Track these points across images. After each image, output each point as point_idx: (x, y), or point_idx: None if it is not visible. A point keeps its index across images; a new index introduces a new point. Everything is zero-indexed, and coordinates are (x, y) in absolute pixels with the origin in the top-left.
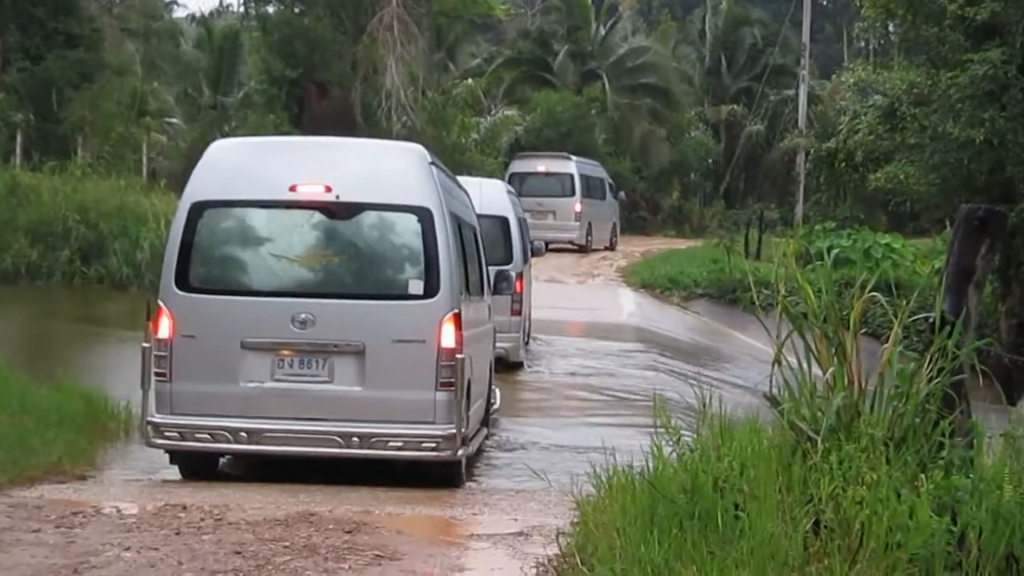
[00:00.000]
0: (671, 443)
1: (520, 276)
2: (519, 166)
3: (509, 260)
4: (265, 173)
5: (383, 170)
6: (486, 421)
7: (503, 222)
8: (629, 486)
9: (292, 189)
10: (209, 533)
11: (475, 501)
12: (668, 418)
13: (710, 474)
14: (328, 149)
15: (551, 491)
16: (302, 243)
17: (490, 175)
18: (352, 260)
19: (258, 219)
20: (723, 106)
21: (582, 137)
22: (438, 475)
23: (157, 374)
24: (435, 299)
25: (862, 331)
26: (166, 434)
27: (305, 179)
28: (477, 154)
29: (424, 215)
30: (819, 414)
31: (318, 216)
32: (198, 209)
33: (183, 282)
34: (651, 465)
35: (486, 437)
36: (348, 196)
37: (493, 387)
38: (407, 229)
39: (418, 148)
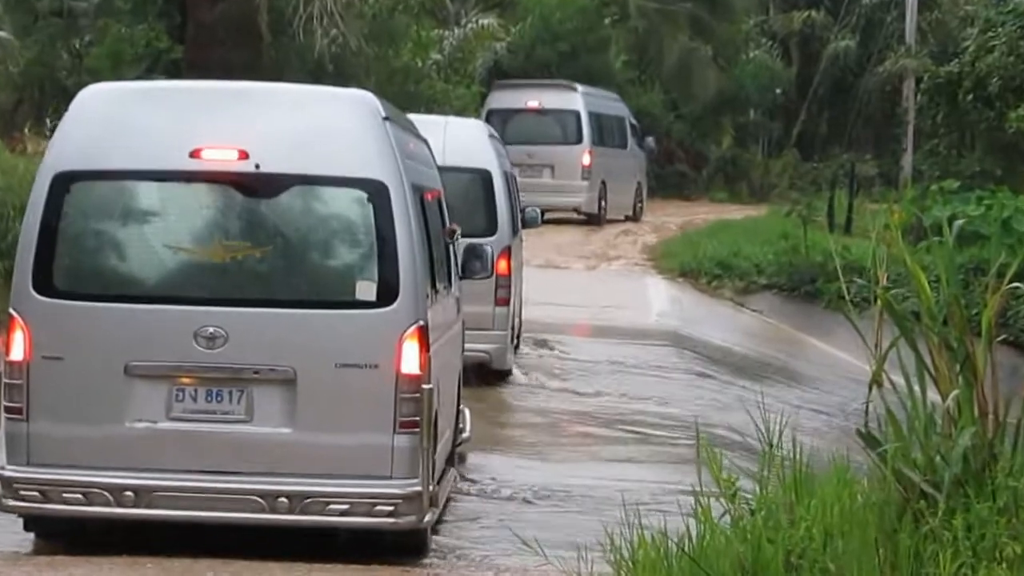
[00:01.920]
0: (722, 500)
1: (507, 252)
2: (500, 100)
3: (492, 230)
4: (156, 132)
5: (320, 128)
6: (452, 459)
7: (483, 178)
8: (662, 563)
9: (194, 155)
10: None
11: None
12: (718, 462)
13: (780, 546)
14: (244, 99)
15: (548, 570)
16: (208, 230)
17: (459, 113)
18: (278, 254)
19: (147, 197)
20: (796, 13)
21: (592, 59)
22: (394, 544)
23: (9, 410)
24: (393, 307)
25: (1000, 338)
26: (22, 493)
27: (212, 141)
28: (440, 82)
29: (377, 192)
30: (938, 459)
31: (230, 192)
32: (63, 182)
33: (44, 284)
34: (693, 532)
35: (455, 480)
36: (271, 165)
37: (462, 408)
38: (354, 211)
39: (368, 98)
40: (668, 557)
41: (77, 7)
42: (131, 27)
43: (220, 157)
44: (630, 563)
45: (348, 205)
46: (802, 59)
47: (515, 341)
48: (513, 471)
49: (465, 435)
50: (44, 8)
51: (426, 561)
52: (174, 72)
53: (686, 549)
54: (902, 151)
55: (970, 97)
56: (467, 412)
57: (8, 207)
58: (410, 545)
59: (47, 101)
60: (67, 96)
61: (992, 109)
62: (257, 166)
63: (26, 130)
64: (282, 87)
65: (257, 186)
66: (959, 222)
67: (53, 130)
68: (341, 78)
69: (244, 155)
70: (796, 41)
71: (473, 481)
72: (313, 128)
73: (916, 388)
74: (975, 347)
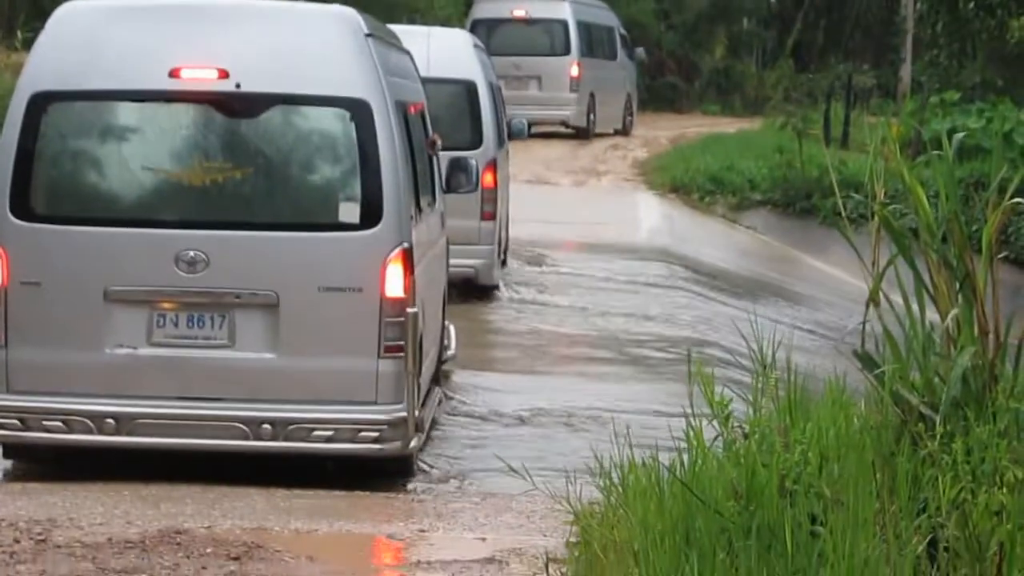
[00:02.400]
0: (715, 422)
1: (493, 165)
2: (485, 9)
3: (477, 143)
4: (135, 51)
5: (302, 46)
6: (438, 377)
7: (468, 90)
8: (652, 489)
9: (173, 75)
10: (26, 563)
11: (423, 511)
12: (710, 382)
13: (774, 471)
14: (225, 17)
15: (535, 495)
16: (188, 152)
17: (443, 23)
18: (259, 176)
19: (126, 117)
20: None
21: None
22: (378, 468)
23: None
24: (376, 229)
25: (1001, 255)
26: (2, 422)
27: (191, 60)
28: None
29: (360, 111)
30: (936, 380)
31: (211, 113)
32: (40, 103)
33: (21, 207)
34: (685, 457)
35: (439, 402)
36: (252, 84)
37: (446, 324)
38: (337, 131)
39: (350, 15)
40: (659, 482)
41: None
42: None
43: (200, 76)
44: (620, 488)
45: (330, 125)
46: None
47: (502, 256)
48: (500, 391)
49: (450, 352)
50: None
51: (410, 487)
52: None
53: (677, 474)
54: (900, 61)
55: (971, 5)
56: (452, 329)
57: None
58: (395, 469)
59: (17, 12)
60: (37, 8)
61: (994, 18)
62: (238, 85)
63: None
64: (263, 4)
65: (238, 106)
66: (959, 135)
67: (24, 43)
68: None
69: (224, 74)
70: None
71: (460, 402)
72: (295, 46)
73: (914, 307)
74: (975, 265)
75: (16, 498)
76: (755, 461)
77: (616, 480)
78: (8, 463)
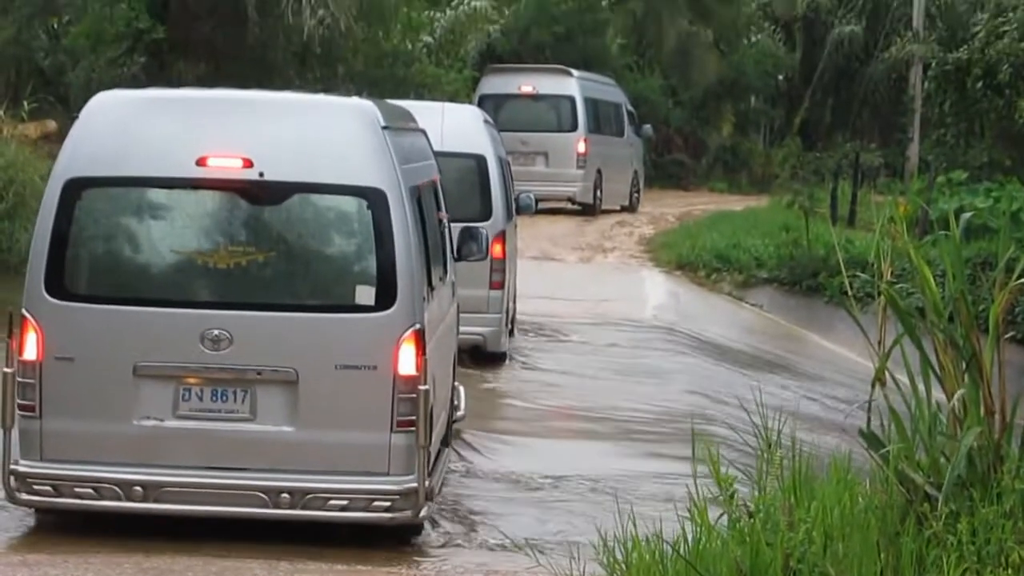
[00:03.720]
0: (719, 500)
1: (502, 237)
2: (493, 84)
3: (487, 215)
4: (164, 140)
5: (322, 138)
6: (448, 438)
7: (478, 164)
8: (656, 567)
9: (201, 163)
10: None
11: None
12: (715, 461)
13: (779, 550)
14: (248, 108)
15: (539, 571)
16: (214, 236)
17: (451, 98)
18: (281, 259)
19: (155, 202)
20: None
21: (588, 42)
22: (389, 532)
23: (23, 408)
24: (391, 311)
25: (1008, 335)
26: (35, 487)
27: (218, 149)
28: (431, 66)
29: (376, 199)
30: (942, 460)
31: (235, 199)
32: (75, 189)
33: (56, 287)
34: (689, 534)
35: (448, 461)
36: (275, 173)
37: (456, 385)
38: (354, 218)
39: (368, 108)
40: (663, 560)
41: None
42: (111, 6)
43: (226, 165)
44: (624, 565)
45: (348, 212)
46: (806, 44)
47: (509, 325)
48: (507, 454)
49: (460, 413)
50: None
51: (416, 558)
52: (156, 53)
53: (682, 552)
54: (908, 140)
55: (979, 85)
56: (462, 390)
57: None
58: (406, 534)
59: (23, 82)
60: (44, 77)
61: (1002, 97)
62: (261, 174)
63: (1, 112)
64: (286, 96)
65: (261, 193)
66: (966, 215)
67: (30, 113)
68: (328, 60)
69: (249, 163)
70: (800, 25)
71: (468, 463)
72: (315, 137)
73: (920, 386)
74: (982, 345)
75: (16, 570)
76: (759, 540)
77: (620, 557)
78: (8, 533)
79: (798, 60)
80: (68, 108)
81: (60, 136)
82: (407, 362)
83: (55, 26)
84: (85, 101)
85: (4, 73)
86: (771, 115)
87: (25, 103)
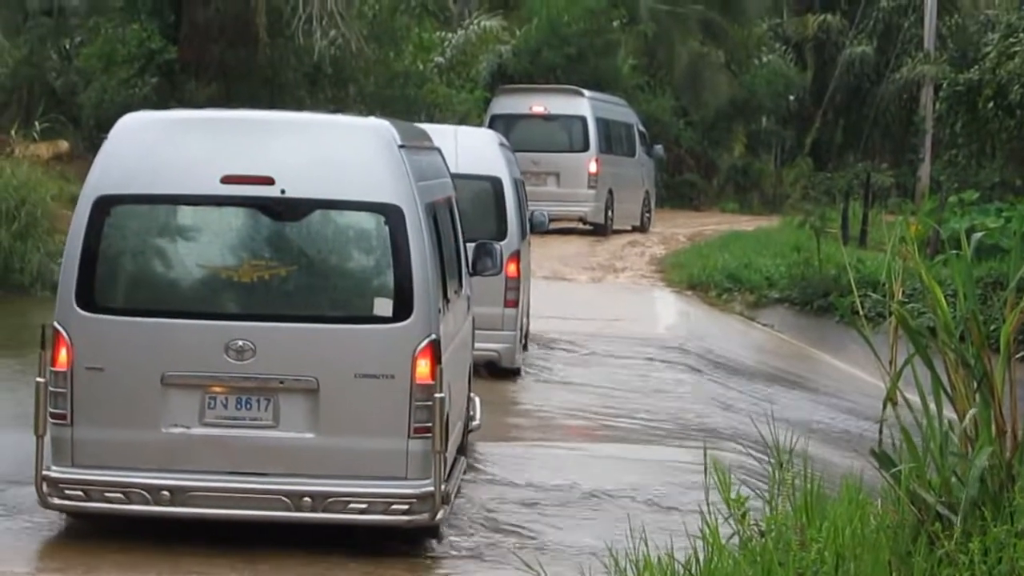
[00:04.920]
0: (731, 520)
1: (517, 257)
2: (504, 105)
3: (502, 235)
4: (189, 159)
5: (340, 157)
6: (463, 447)
7: (494, 186)
8: None
9: (225, 181)
10: None
11: None
12: (726, 481)
13: (791, 569)
14: (270, 128)
15: None
16: (238, 251)
17: (462, 120)
18: (302, 273)
19: (181, 219)
20: (810, 16)
21: (600, 63)
22: (406, 535)
23: (54, 416)
24: (408, 323)
25: (1019, 355)
26: (67, 492)
27: (241, 168)
28: (442, 86)
29: (393, 215)
30: (954, 480)
31: (258, 216)
32: (104, 206)
33: (86, 300)
34: (701, 554)
35: (464, 470)
36: (296, 191)
37: (472, 396)
38: (372, 233)
39: (384, 127)
40: None
41: (67, 6)
42: (123, 27)
43: (249, 182)
44: None
45: (366, 227)
46: (817, 65)
47: (523, 340)
48: (520, 466)
49: (475, 423)
50: (34, 7)
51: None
52: (168, 73)
53: (693, 571)
54: (919, 161)
55: (990, 105)
56: (477, 401)
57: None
58: (422, 534)
59: (36, 103)
60: (56, 98)
61: (1013, 118)
62: (283, 191)
63: (13, 132)
64: (305, 117)
65: (283, 210)
66: (978, 235)
67: (42, 133)
68: (339, 81)
69: (271, 181)
70: (811, 46)
71: (482, 472)
72: (334, 156)
73: (932, 406)
74: (993, 364)
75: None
76: (771, 559)
77: None
78: (26, 546)
79: (809, 80)
80: (80, 128)
81: (71, 156)
82: (423, 371)
83: (67, 47)
84: (96, 121)
85: (16, 93)
86: (782, 135)
87: (37, 123)
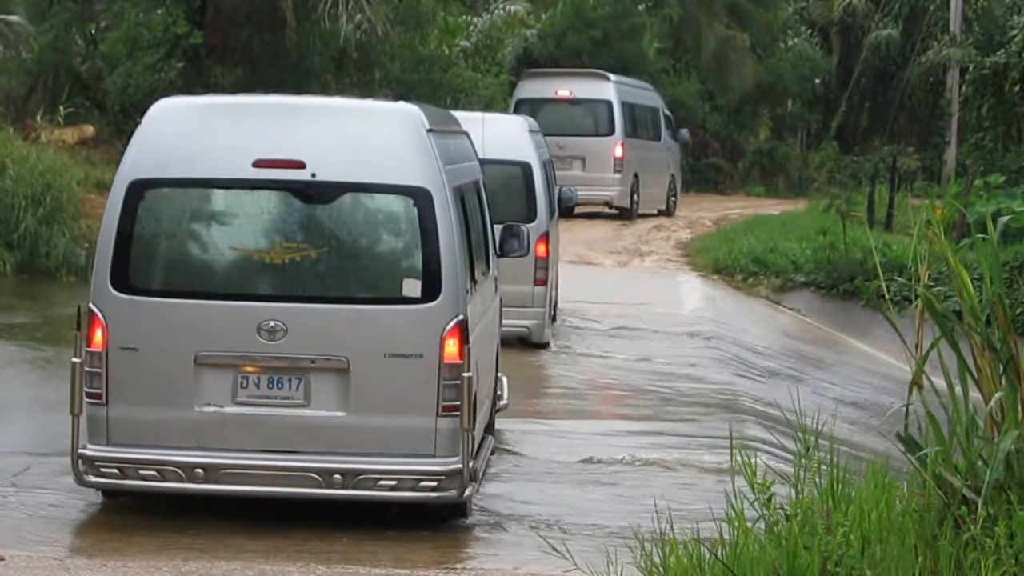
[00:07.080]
0: (757, 503)
1: (546, 237)
2: (530, 89)
3: (531, 217)
4: (222, 144)
5: (370, 141)
6: (491, 426)
7: (523, 170)
8: (694, 570)
9: (257, 165)
10: None
11: None
12: (752, 465)
13: (816, 553)
14: (301, 113)
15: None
16: (269, 233)
17: (488, 105)
18: (332, 255)
19: (214, 202)
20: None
21: (625, 46)
22: (436, 513)
23: (90, 395)
24: (436, 303)
25: None
26: (102, 470)
27: (272, 152)
28: (467, 70)
29: (422, 198)
30: (980, 463)
31: (289, 199)
32: (138, 190)
33: (121, 282)
34: (726, 536)
35: (492, 450)
36: (327, 174)
37: (499, 376)
38: (401, 216)
39: (413, 112)
40: (701, 563)
41: None
42: (148, 12)
43: (280, 166)
44: (661, 569)
45: (395, 210)
46: (842, 48)
47: (552, 312)
48: (547, 442)
49: (503, 402)
50: None
51: (454, 564)
52: (193, 58)
53: (719, 555)
54: (945, 144)
55: (1017, 88)
56: (505, 380)
57: (19, 197)
58: (451, 513)
59: (61, 88)
60: (81, 82)
61: None
62: (313, 175)
63: (39, 117)
64: (335, 101)
65: (313, 193)
66: (1004, 218)
67: (67, 118)
68: (365, 65)
69: (302, 165)
70: (836, 30)
71: (509, 450)
72: (364, 140)
73: (958, 390)
74: (1019, 347)
75: (55, 573)
76: (797, 543)
77: (657, 560)
78: (50, 537)
79: (835, 64)
80: (105, 113)
81: (97, 141)
82: (451, 351)
83: (92, 32)
84: (122, 107)
85: (42, 78)
86: (808, 119)
87: (62, 108)
